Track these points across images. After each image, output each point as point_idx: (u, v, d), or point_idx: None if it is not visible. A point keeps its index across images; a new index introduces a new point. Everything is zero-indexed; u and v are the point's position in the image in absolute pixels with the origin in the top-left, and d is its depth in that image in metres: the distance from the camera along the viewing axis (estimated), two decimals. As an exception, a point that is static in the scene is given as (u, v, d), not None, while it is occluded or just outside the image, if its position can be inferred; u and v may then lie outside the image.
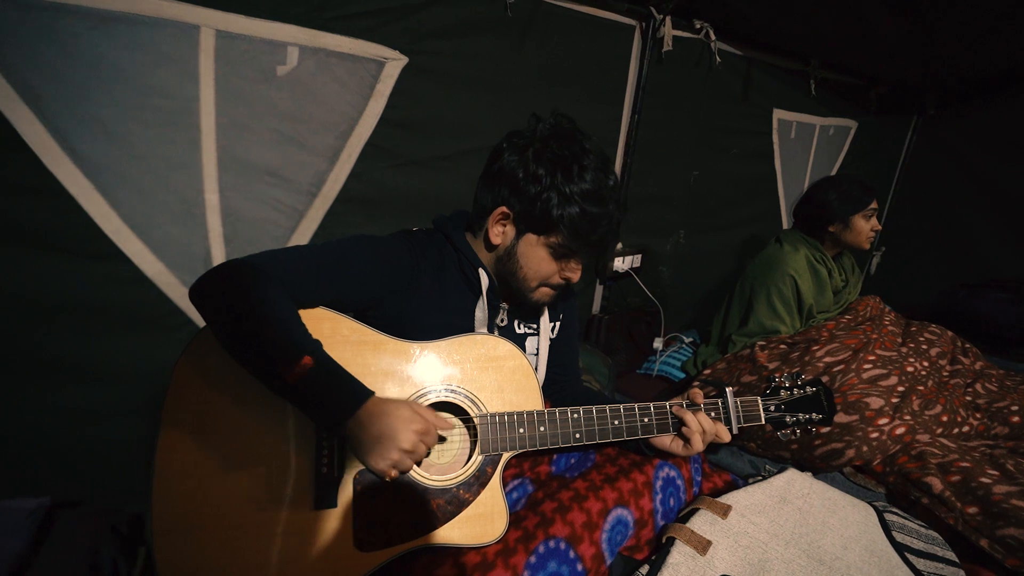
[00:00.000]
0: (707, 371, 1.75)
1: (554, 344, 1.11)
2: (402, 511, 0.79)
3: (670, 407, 0.92)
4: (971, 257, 2.95)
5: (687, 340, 2.18)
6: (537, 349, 1.07)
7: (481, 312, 0.96)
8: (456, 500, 0.81)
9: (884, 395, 1.38)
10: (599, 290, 2.20)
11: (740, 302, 1.86)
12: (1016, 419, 1.46)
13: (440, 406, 0.86)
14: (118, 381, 1.18)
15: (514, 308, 1.03)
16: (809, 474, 1.26)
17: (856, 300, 1.86)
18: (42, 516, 1.06)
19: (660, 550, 0.83)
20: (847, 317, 1.76)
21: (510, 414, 0.85)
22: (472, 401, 0.86)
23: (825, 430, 1.35)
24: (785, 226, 2.75)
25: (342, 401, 0.73)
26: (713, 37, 2.00)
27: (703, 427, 0.91)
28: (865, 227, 1.71)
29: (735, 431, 0.95)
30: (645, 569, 0.80)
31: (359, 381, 0.76)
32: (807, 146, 2.71)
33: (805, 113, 2.58)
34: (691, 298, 2.52)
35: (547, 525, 0.81)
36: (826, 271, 1.76)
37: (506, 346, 0.89)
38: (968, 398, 1.57)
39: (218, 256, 1.28)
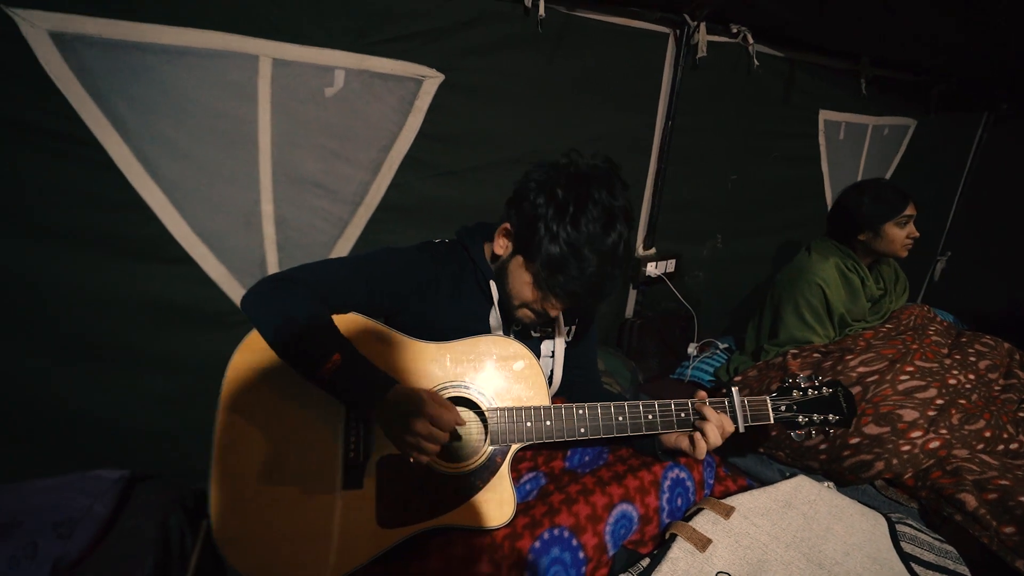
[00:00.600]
0: (738, 378, 1.74)
1: (571, 347, 1.17)
2: (419, 494, 0.88)
3: (674, 405, 0.96)
4: (1045, 263, 2.74)
5: (722, 347, 2.16)
6: (553, 352, 1.13)
7: (495, 320, 1.03)
8: (468, 486, 0.89)
9: (919, 407, 1.34)
10: (632, 294, 2.22)
11: (770, 311, 1.83)
12: (1073, 439, 1.38)
13: (455, 401, 0.94)
14: (185, 371, 1.34)
15: None
16: (830, 484, 1.25)
17: (900, 309, 1.79)
18: (123, 485, 1.22)
19: (662, 545, 0.87)
20: (888, 326, 1.70)
21: (518, 409, 0.92)
22: (484, 396, 0.93)
23: (854, 440, 1.33)
24: (833, 230, 2.65)
25: (368, 390, 0.83)
26: (751, 41, 1.98)
27: (708, 418, 0.94)
28: (899, 235, 1.64)
29: (742, 429, 0.96)
30: (646, 562, 0.85)
31: (384, 372, 0.86)
32: (858, 147, 2.61)
33: (855, 113, 2.49)
34: (729, 304, 2.49)
35: (553, 515, 0.87)
36: (858, 279, 1.70)
37: (515, 347, 0.96)
38: (1021, 415, 1.48)
39: (272, 260, 1.42)
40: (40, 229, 1.15)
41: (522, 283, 0.96)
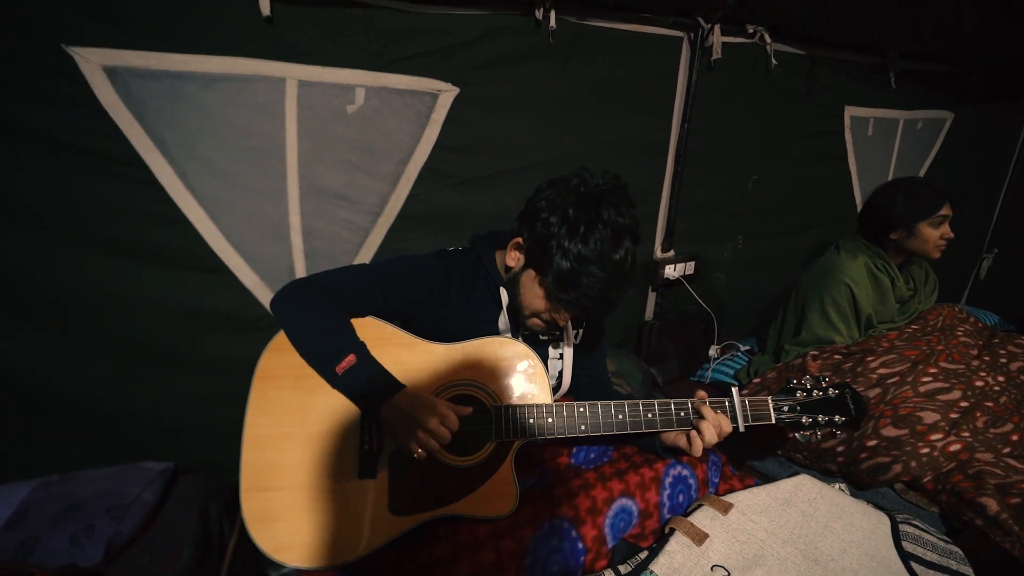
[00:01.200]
0: (757, 379, 1.73)
1: (579, 350, 1.21)
2: (428, 485, 0.94)
3: (674, 404, 0.99)
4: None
5: (743, 348, 2.14)
6: (561, 355, 1.17)
7: (504, 323, 1.09)
8: (474, 479, 0.94)
9: (941, 410, 1.31)
10: (652, 297, 2.23)
11: (795, 311, 1.81)
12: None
13: (462, 398, 0.99)
14: (223, 371, 1.45)
15: None
16: (842, 485, 1.24)
17: (928, 309, 1.74)
18: (168, 476, 1.33)
19: (661, 539, 0.90)
20: (914, 327, 1.65)
21: (521, 407, 0.97)
22: (488, 394, 0.99)
23: (872, 443, 1.32)
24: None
25: (377, 390, 0.90)
26: (769, 40, 1.97)
27: (706, 417, 0.97)
28: (933, 235, 1.59)
29: (741, 428, 0.98)
30: (644, 555, 0.88)
31: (393, 376, 0.92)
32: (889, 143, 2.53)
33: (884, 108, 2.42)
34: (752, 305, 2.46)
35: (555, 507, 0.92)
36: (888, 279, 1.67)
37: (519, 347, 1.01)
38: (1057, 418, 1.42)
39: (299, 268, 1.52)
40: (94, 242, 1.28)
41: (533, 295, 1.01)
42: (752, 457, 1.58)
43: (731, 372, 2.01)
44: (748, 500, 0.92)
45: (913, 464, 1.23)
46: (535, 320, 1.05)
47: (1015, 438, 1.30)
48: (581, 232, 0.93)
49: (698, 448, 0.95)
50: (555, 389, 1.18)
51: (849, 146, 2.41)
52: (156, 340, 1.38)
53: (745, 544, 0.85)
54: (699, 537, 0.86)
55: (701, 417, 0.97)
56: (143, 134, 1.27)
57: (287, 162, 1.44)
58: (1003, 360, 1.52)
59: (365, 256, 1.60)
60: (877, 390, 1.41)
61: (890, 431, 1.30)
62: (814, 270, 1.76)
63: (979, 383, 1.40)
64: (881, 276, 1.66)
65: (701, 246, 2.23)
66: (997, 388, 1.41)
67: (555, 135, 1.77)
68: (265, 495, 0.92)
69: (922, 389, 1.36)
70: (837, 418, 1.01)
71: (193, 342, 1.43)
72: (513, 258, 1.05)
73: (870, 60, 2.27)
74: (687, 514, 0.94)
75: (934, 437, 1.25)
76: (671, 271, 2.10)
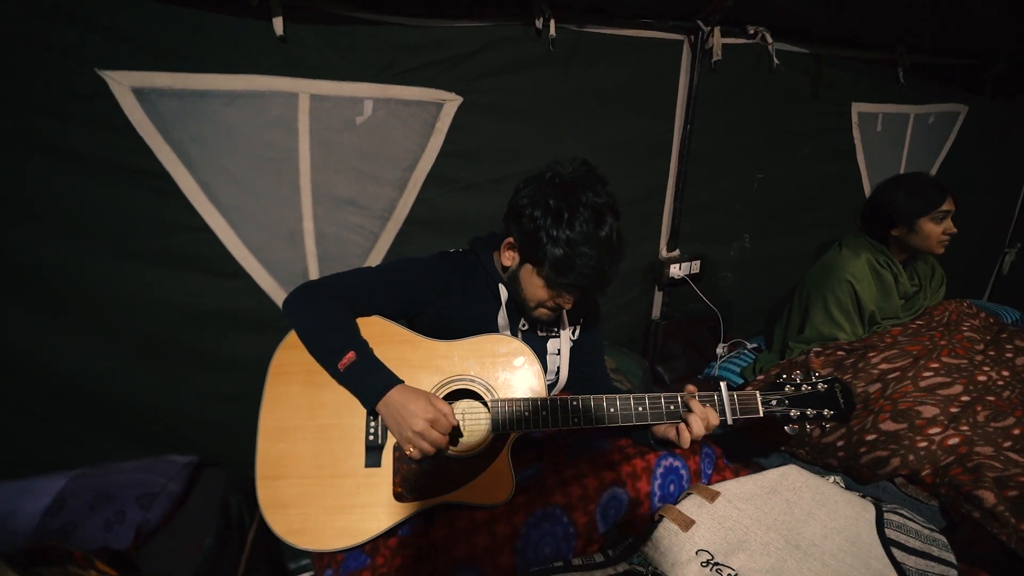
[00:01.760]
0: (761, 376, 1.75)
1: (577, 345, 1.25)
2: (430, 473, 1.00)
3: (664, 398, 1.02)
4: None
5: (751, 346, 2.15)
6: (559, 350, 1.22)
7: (503, 319, 1.14)
8: (472, 468, 0.99)
9: (941, 404, 1.32)
10: (659, 296, 2.26)
11: (799, 308, 1.82)
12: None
13: (461, 392, 1.05)
14: (242, 369, 1.53)
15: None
16: (838, 478, 1.26)
17: (934, 305, 1.73)
18: (192, 469, 1.42)
19: (650, 526, 0.94)
20: (918, 323, 1.65)
21: (516, 400, 1.02)
22: (487, 388, 1.04)
23: (871, 437, 1.33)
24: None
25: (374, 387, 0.97)
26: (770, 40, 1.99)
27: (694, 410, 1.00)
28: (935, 231, 1.59)
29: (729, 421, 1.01)
30: (633, 538, 0.92)
31: (392, 373, 0.99)
32: (899, 138, 2.51)
33: (893, 103, 2.40)
34: (760, 303, 2.46)
35: (548, 494, 0.97)
36: (891, 276, 1.67)
37: (515, 344, 1.07)
38: (1065, 413, 1.41)
39: (313, 272, 1.60)
40: (124, 250, 1.37)
41: (535, 287, 1.07)
42: (757, 453, 1.60)
43: (738, 370, 2.03)
44: (735, 489, 0.96)
45: (911, 458, 1.25)
46: (542, 310, 1.11)
47: (1017, 432, 1.29)
48: (566, 219, 0.99)
49: (686, 440, 0.99)
50: (553, 384, 1.23)
51: (858, 143, 2.40)
52: (181, 340, 1.47)
53: (730, 530, 0.88)
54: (686, 523, 0.90)
55: (689, 410, 1.00)
56: (168, 149, 1.36)
57: (300, 171, 1.52)
58: (1009, 355, 1.51)
59: (375, 259, 1.67)
60: (878, 385, 1.42)
61: (889, 425, 1.31)
62: (817, 268, 1.77)
63: (982, 378, 1.40)
64: (884, 272, 1.67)
65: (707, 246, 2.25)
66: (1001, 383, 1.40)
67: (557, 139, 1.82)
68: (278, 483, 0.99)
69: (923, 384, 1.37)
70: (826, 412, 1.04)
71: (215, 342, 1.51)
72: (508, 257, 1.10)
73: (877, 56, 2.26)
74: (676, 503, 0.98)
75: (932, 431, 1.26)
76: (676, 270, 2.12)
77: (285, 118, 1.47)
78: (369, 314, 1.10)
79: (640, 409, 1.02)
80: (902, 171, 2.56)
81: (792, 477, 0.98)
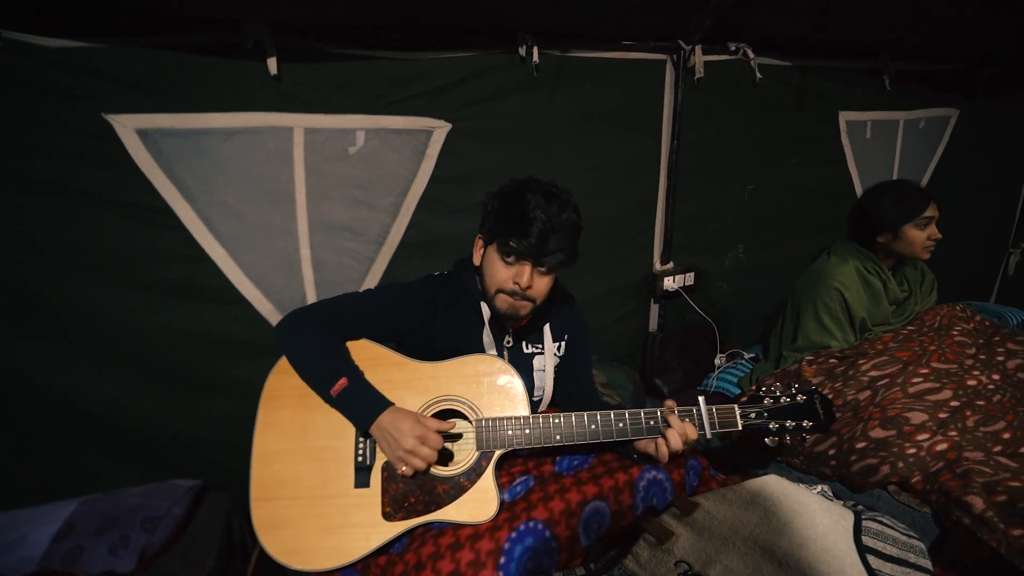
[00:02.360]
0: (753, 388, 1.76)
1: (563, 361, 1.28)
2: (416, 492, 1.03)
3: (643, 413, 1.05)
4: None
5: (748, 356, 2.16)
6: (544, 367, 1.25)
7: (488, 338, 1.18)
8: (457, 486, 1.02)
9: (930, 410, 1.32)
10: (654, 309, 2.28)
11: (792, 318, 1.84)
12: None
13: (447, 412, 1.09)
14: (244, 394, 1.56)
15: (518, 332, 1.23)
16: (825, 487, 1.26)
17: (926, 310, 1.74)
18: (196, 492, 1.46)
19: (631, 538, 0.96)
20: (910, 328, 1.66)
21: (500, 418, 1.05)
22: (471, 407, 1.07)
23: (860, 445, 1.34)
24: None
25: (366, 411, 1.02)
26: (752, 55, 2.03)
27: (672, 425, 1.03)
28: (919, 237, 1.60)
29: (708, 435, 1.04)
30: (615, 551, 0.94)
31: (383, 397, 1.04)
32: (890, 144, 2.53)
33: (881, 110, 2.43)
34: (757, 313, 2.47)
35: (531, 510, 0.99)
36: (880, 282, 1.68)
37: (499, 364, 1.10)
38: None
39: (311, 297, 1.66)
40: (130, 281, 1.44)
41: (495, 267, 1.11)
42: (751, 464, 1.61)
43: (735, 380, 2.03)
44: (715, 500, 0.97)
45: (900, 465, 1.25)
46: (502, 296, 1.11)
47: (1007, 436, 1.29)
48: (512, 191, 1.09)
49: (664, 454, 1.01)
50: (539, 401, 1.26)
51: (847, 150, 2.42)
52: (184, 367, 1.53)
53: (708, 541, 0.90)
54: (665, 535, 0.91)
55: (668, 425, 1.03)
56: (170, 185, 1.44)
57: (296, 201, 1.58)
58: (1000, 358, 1.50)
59: (371, 283, 1.72)
60: (868, 392, 1.43)
61: (878, 433, 1.32)
62: (806, 276, 1.79)
63: (972, 382, 1.40)
64: (872, 279, 1.68)
65: (700, 257, 2.27)
66: (991, 387, 1.40)
67: (546, 160, 1.87)
68: (272, 504, 1.03)
69: (911, 390, 1.38)
70: (805, 423, 1.06)
71: (217, 368, 1.57)
72: (477, 256, 1.18)
73: (861, 65, 2.29)
74: (658, 515, 1.00)
75: (921, 437, 1.26)
76: (670, 283, 2.15)
77: (281, 151, 1.53)
78: (357, 338, 1.14)
79: (621, 425, 1.04)
80: (895, 175, 2.58)
81: (771, 487, 1.00)
